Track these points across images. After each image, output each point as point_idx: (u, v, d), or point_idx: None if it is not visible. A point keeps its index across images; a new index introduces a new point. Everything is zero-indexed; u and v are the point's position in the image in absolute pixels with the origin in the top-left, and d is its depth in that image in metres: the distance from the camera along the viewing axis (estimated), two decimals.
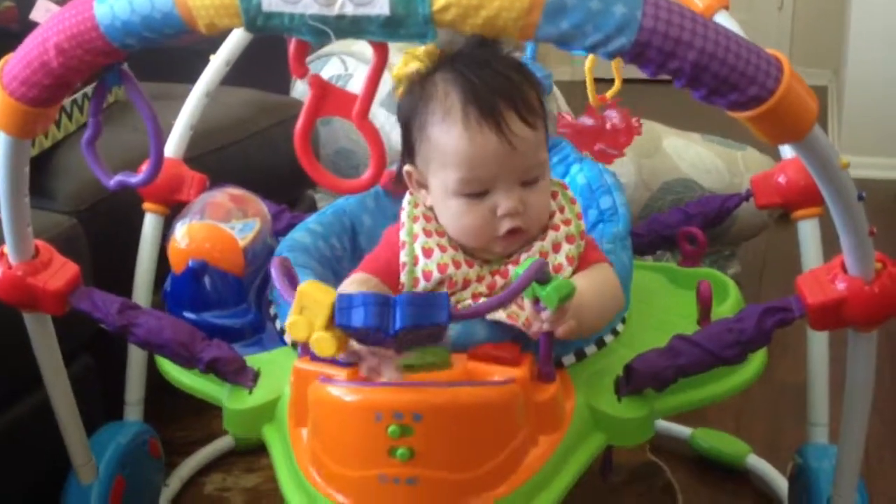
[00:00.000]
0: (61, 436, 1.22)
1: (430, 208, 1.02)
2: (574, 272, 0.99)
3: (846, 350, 0.99)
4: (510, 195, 0.96)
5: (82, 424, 1.23)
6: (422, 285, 0.98)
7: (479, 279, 0.99)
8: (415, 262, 0.98)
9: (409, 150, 1.02)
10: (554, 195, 1.03)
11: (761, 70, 0.69)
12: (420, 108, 0.98)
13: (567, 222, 1.01)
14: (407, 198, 1.04)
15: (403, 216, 1.02)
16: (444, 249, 0.99)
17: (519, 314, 0.91)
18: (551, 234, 1.00)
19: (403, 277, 0.98)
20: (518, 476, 0.83)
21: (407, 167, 1.02)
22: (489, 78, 0.96)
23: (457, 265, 0.98)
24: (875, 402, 1.03)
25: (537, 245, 1.00)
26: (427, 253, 0.99)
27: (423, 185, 1.02)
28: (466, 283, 0.99)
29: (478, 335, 0.89)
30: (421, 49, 1.00)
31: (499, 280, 0.99)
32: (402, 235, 1.00)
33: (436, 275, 0.98)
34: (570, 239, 1.00)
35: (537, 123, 0.97)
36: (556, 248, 1.00)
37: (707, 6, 1.26)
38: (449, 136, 0.95)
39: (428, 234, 1.00)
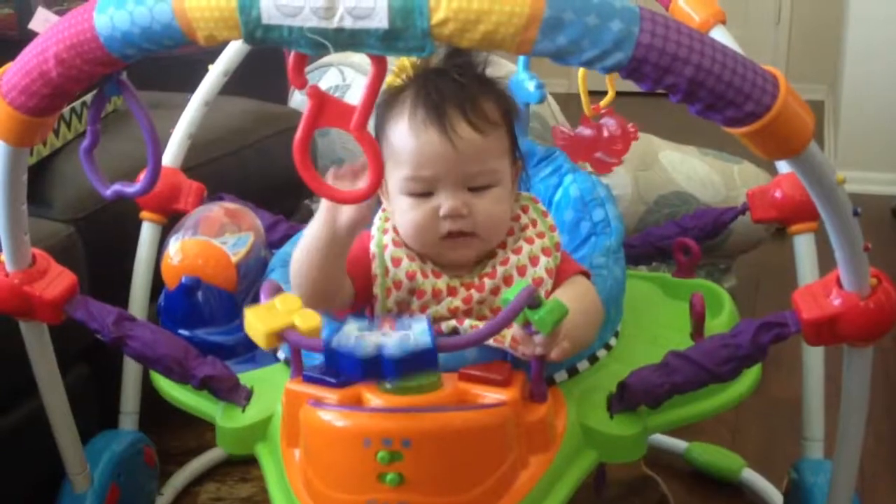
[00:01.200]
0: (56, 444, 1.22)
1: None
2: (553, 284, 1.00)
3: (841, 365, 0.99)
4: (453, 197, 0.97)
5: (77, 433, 1.23)
6: (394, 295, 0.99)
7: (452, 292, 0.99)
8: (385, 272, 1.00)
9: None
10: (525, 209, 1.04)
11: (757, 86, 0.70)
12: (385, 112, 1.01)
13: (541, 235, 1.02)
14: (379, 213, 1.05)
15: (374, 229, 1.03)
16: (412, 259, 1.00)
17: (505, 334, 0.91)
18: (526, 248, 1.01)
19: (377, 289, 0.99)
20: (509, 499, 0.83)
21: None
22: (443, 85, 0.99)
23: (424, 275, 0.99)
24: (869, 417, 1.03)
25: (514, 259, 1.00)
26: (396, 262, 1.00)
27: (386, 191, 1.04)
28: (437, 294, 0.99)
29: (468, 355, 0.89)
30: (407, 63, 1.02)
31: (475, 294, 0.99)
32: (373, 247, 1.01)
33: (405, 283, 0.99)
34: (546, 251, 1.01)
35: (487, 129, 0.98)
36: (534, 261, 1.00)
37: (703, 21, 1.27)
38: (397, 134, 0.99)
39: (397, 244, 1.01)
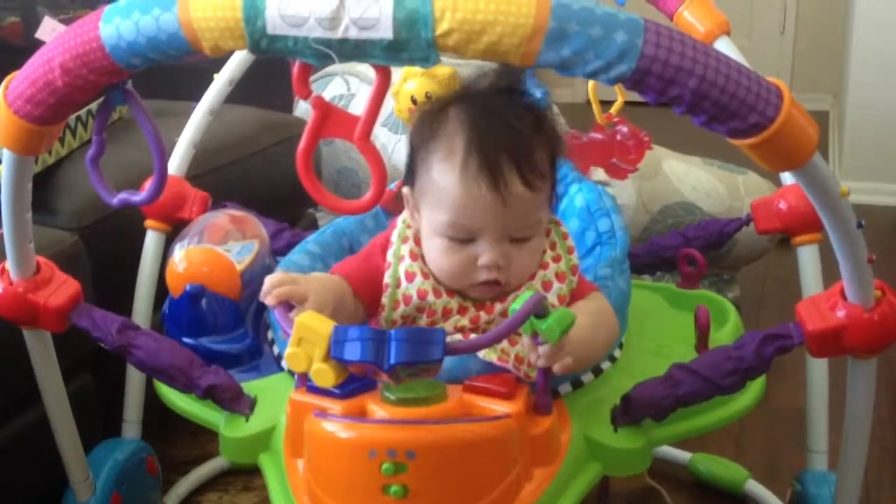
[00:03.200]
0: (59, 453, 1.22)
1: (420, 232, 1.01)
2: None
3: (845, 374, 0.99)
4: (494, 248, 0.94)
5: (80, 442, 1.23)
6: (401, 309, 0.98)
7: (462, 311, 0.98)
8: (397, 284, 0.98)
9: (410, 174, 1.00)
10: (547, 232, 1.01)
11: (761, 98, 0.70)
12: (428, 139, 0.97)
13: (557, 259, 1.00)
14: (402, 216, 1.02)
15: (394, 235, 1.01)
16: (426, 276, 0.98)
17: (510, 351, 0.90)
18: (540, 273, 0.99)
19: (385, 299, 0.98)
20: None
21: (405, 189, 1.01)
22: (498, 129, 0.94)
23: (437, 294, 0.97)
24: (874, 429, 1.02)
25: (526, 284, 0.98)
26: (409, 277, 0.98)
27: (417, 210, 1.00)
28: (447, 313, 0.97)
29: (472, 367, 0.89)
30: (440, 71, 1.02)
31: (483, 315, 0.98)
32: (389, 256, 0.99)
33: (415, 300, 0.97)
34: (560, 277, 0.99)
35: (539, 185, 0.95)
36: (547, 286, 0.99)
37: (708, 32, 1.27)
38: (445, 179, 0.94)
39: (414, 257, 0.99)
